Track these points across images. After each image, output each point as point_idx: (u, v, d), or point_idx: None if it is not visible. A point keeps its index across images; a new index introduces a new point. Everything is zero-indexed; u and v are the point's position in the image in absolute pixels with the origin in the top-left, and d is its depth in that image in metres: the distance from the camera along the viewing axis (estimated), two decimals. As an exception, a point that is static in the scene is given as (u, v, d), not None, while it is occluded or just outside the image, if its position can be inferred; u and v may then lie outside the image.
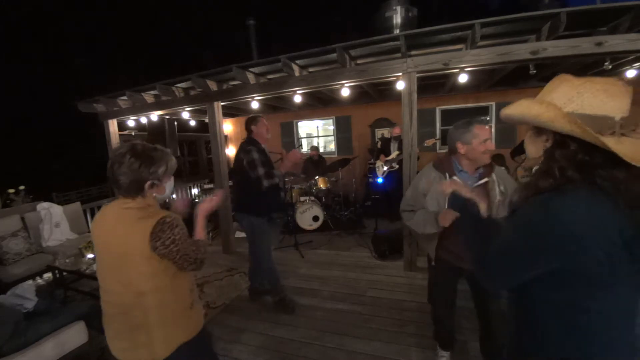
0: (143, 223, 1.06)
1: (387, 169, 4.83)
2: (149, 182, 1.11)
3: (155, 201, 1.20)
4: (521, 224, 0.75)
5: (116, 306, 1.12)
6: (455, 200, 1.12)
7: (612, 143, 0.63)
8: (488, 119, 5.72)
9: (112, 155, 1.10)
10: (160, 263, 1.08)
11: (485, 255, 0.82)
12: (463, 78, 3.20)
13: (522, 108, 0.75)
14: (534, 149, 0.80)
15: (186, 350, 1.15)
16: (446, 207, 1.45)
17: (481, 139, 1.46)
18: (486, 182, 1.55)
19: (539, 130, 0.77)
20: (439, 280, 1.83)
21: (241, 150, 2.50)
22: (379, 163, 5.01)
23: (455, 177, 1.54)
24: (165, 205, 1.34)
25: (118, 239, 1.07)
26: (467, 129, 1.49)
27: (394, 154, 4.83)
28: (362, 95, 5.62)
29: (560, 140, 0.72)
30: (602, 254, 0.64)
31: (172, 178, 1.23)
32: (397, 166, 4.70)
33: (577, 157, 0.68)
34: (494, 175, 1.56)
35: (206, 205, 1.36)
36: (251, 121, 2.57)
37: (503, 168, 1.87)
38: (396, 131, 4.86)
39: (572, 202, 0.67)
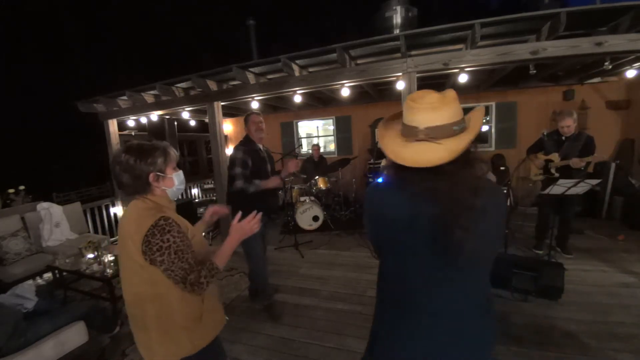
0: (142, 224, 1.00)
1: None
2: (152, 175, 1.07)
3: (168, 198, 1.14)
4: None
5: (127, 304, 1.11)
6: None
7: (394, 145, 0.85)
8: (488, 119, 5.72)
9: (111, 160, 1.07)
10: (159, 270, 1.02)
11: None
12: (463, 78, 3.20)
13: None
14: None
15: None
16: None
17: None
18: None
19: None
20: None
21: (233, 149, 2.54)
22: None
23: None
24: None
25: (125, 239, 1.04)
26: None
27: None
28: (362, 95, 5.62)
29: None
30: (398, 225, 0.83)
31: (180, 170, 1.17)
32: None
33: (388, 159, 0.87)
34: None
35: (246, 227, 1.21)
36: (244, 121, 2.59)
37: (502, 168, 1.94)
38: None
39: (374, 190, 0.93)
